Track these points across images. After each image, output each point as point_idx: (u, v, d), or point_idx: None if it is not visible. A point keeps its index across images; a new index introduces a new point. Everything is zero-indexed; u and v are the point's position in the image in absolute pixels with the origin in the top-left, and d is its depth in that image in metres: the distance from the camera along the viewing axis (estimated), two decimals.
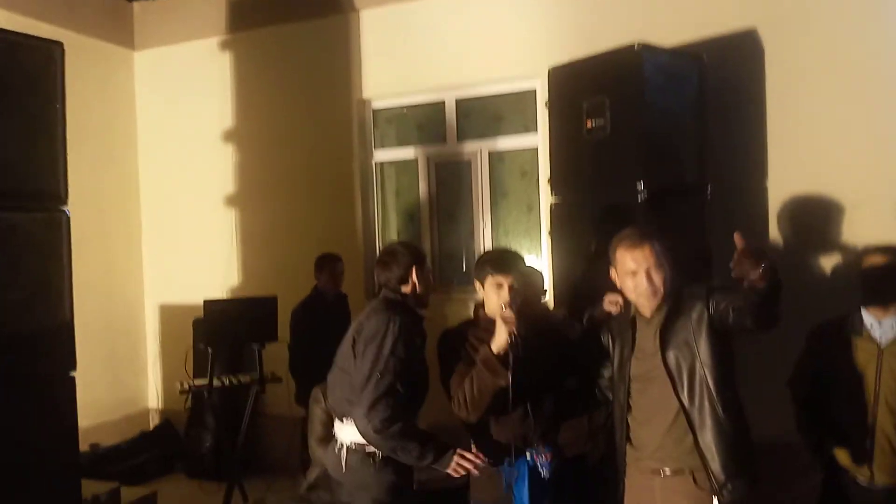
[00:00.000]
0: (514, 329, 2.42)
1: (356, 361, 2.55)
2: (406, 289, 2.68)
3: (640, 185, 3.37)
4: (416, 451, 2.47)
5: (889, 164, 3.81)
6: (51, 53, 3.00)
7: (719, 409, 2.29)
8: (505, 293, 2.57)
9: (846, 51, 3.91)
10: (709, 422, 2.28)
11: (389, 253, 2.78)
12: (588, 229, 3.63)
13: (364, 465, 2.59)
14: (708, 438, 2.28)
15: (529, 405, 2.56)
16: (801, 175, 4.01)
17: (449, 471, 2.49)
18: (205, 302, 3.95)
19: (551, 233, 3.92)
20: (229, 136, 5.70)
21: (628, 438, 2.47)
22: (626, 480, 2.50)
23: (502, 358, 2.43)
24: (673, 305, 2.40)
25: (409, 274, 2.67)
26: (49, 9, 5.18)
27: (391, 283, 2.69)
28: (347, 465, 2.61)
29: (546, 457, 2.58)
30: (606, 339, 2.61)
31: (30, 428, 2.79)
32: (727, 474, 2.27)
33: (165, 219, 5.95)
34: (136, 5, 6.01)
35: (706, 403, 2.29)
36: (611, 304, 2.64)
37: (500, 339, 2.44)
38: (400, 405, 2.47)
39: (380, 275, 2.73)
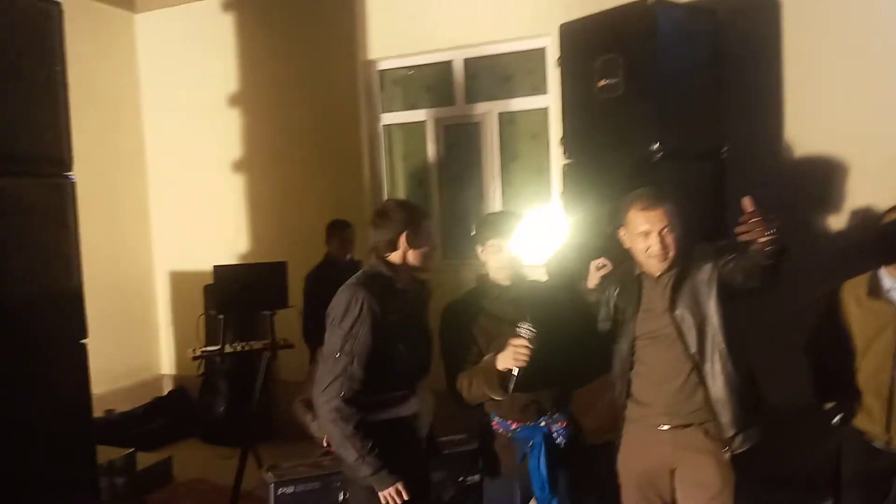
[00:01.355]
0: (524, 361, 2.33)
1: (326, 339, 2.41)
2: (395, 256, 2.44)
3: (656, 146, 3.30)
4: (354, 455, 2.29)
5: None
6: (48, 13, 2.93)
7: (730, 365, 2.34)
8: (506, 254, 2.55)
9: (866, 4, 3.77)
10: (720, 377, 2.34)
11: (381, 213, 2.51)
12: (602, 190, 3.56)
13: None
14: (719, 393, 2.33)
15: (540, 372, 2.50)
16: (819, 135, 3.92)
17: (380, 496, 2.32)
18: (214, 268, 3.92)
19: (563, 194, 3.86)
20: (234, 99, 5.62)
21: (629, 394, 2.49)
22: (623, 436, 2.53)
23: (504, 375, 2.38)
24: (682, 266, 2.42)
25: (397, 239, 2.42)
26: None
27: (380, 249, 2.46)
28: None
29: (561, 423, 2.55)
30: (609, 294, 2.58)
31: (43, 395, 2.80)
32: (738, 426, 2.34)
33: (173, 184, 5.91)
34: None
35: (717, 359, 2.34)
36: (598, 269, 2.60)
37: (505, 361, 2.37)
38: (357, 390, 2.29)
39: (372, 237, 2.51)
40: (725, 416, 2.34)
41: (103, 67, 5.68)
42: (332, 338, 2.35)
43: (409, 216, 2.45)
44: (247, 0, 5.51)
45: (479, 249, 2.66)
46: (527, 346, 2.33)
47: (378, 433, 2.33)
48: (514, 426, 2.55)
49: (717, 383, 2.34)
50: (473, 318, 2.58)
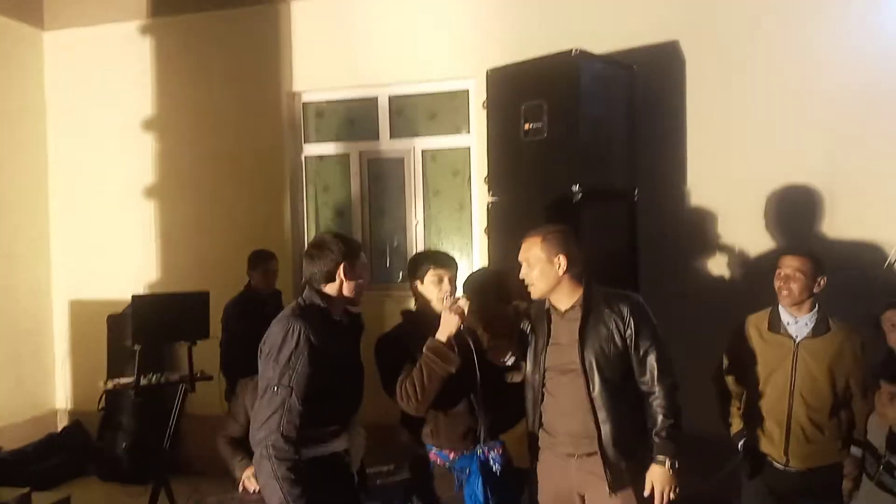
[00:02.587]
0: (462, 320, 2.47)
1: (260, 372, 2.37)
2: (331, 288, 2.45)
3: (576, 187, 3.50)
4: (279, 499, 2.22)
5: (799, 175, 4.11)
6: None
7: (622, 407, 2.48)
8: (446, 284, 2.68)
9: (762, 65, 4.19)
10: (611, 416, 2.46)
11: (317, 245, 2.51)
12: (525, 228, 3.71)
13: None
14: (607, 430, 2.46)
15: (476, 398, 2.60)
16: (716, 181, 4.28)
17: None
18: (133, 297, 3.77)
19: (488, 231, 4.00)
20: (149, 124, 5.47)
21: (541, 424, 2.60)
22: (538, 464, 2.64)
23: (449, 345, 2.47)
24: (590, 305, 2.54)
25: (335, 271, 2.44)
26: None
27: (315, 280, 2.46)
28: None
29: (497, 451, 2.63)
30: (526, 327, 2.71)
31: None
32: (623, 458, 2.47)
33: (77, 210, 5.64)
34: None
35: (611, 401, 2.47)
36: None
37: (447, 328, 2.48)
38: (296, 423, 2.25)
39: (306, 268, 2.50)
40: (611, 451, 2.46)
41: (6, 84, 5.40)
42: (268, 371, 2.30)
43: (347, 249, 2.48)
44: (167, 25, 5.40)
45: (416, 283, 2.74)
46: (463, 309, 2.47)
47: (311, 469, 2.30)
48: (451, 455, 2.61)
49: (607, 422, 2.45)
50: (407, 350, 2.61)
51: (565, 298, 2.56)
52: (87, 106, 5.59)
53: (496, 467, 2.61)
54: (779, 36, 4.17)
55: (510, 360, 2.64)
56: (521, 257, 2.57)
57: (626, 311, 2.51)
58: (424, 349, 2.50)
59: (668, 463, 2.42)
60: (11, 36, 5.46)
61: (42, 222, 5.68)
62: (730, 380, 3.13)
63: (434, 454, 2.63)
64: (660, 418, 2.45)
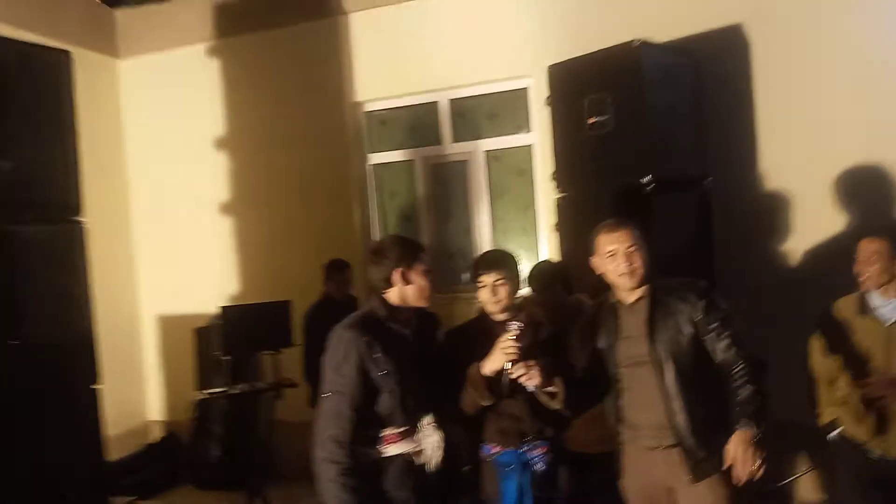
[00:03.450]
0: (512, 359, 2.41)
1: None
2: (393, 294, 2.46)
3: (647, 178, 3.46)
4: (335, 500, 2.28)
5: (874, 153, 3.95)
6: (60, 62, 3.01)
7: (697, 395, 2.45)
8: (488, 290, 2.59)
9: (828, 44, 4.05)
10: (685, 405, 2.43)
11: (375, 251, 2.54)
12: (595, 222, 3.69)
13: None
14: (682, 420, 2.43)
15: (525, 396, 2.54)
16: (790, 166, 4.15)
17: None
18: (222, 308, 3.93)
19: (558, 227, 4.00)
20: (221, 143, 5.68)
21: (619, 419, 2.58)
22: (623, 459, 2.61)
23: (491, 380, 2.45)
24: (656, 296, 2.53)
25: (391, 276, 2.44)
26: (27, 16, 5.08)
27: (377, 287, 2.49)
28: None
29: (541, 450, 2.56)
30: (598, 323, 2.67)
31: (57, 441, 2.79)
32: (703, 446, 2.42)
33: (159, 228, 5.90)
34: (118, 13, 5.95)
35: (685, 390, 2.44)
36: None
37: (492, 364, 2.45)
38: (347, 429, 2.31)
39: (368, 275, 2.55)
40: (689, 441, 2.43)
41: (87, 112, 5.66)
42: (325, 378, 2.41)
43: (403, 252, 2.47)
44: (232, 45, 5.60)
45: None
46: (514, 342, 2.39)
47: (375, 470, 2.38)
48: (493, 450, 2.59)
49: (681, 414, 2.43)
50: (473, 343, 2.60)
51: (627, 290, 2.55)
52: (162, 128, 5.84)
53: (540, 466, 2.56)
54: (842, 13, 4.02)
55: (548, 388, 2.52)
56: (619, 247, 2.51)
57: (692, 296, 2.50)
58: (468, 373, 2.50)
59: (749, 429, 2.33)
60: (89, 66, 5.74)
61: (126, 242, 5.97)
62: (821, 367, 3.03)
63: (482, 447, 2.63)
64: (741, 388, 2.39)
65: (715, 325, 2.47)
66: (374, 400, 2.38)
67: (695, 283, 2.57)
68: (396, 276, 2.45)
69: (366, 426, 2.36)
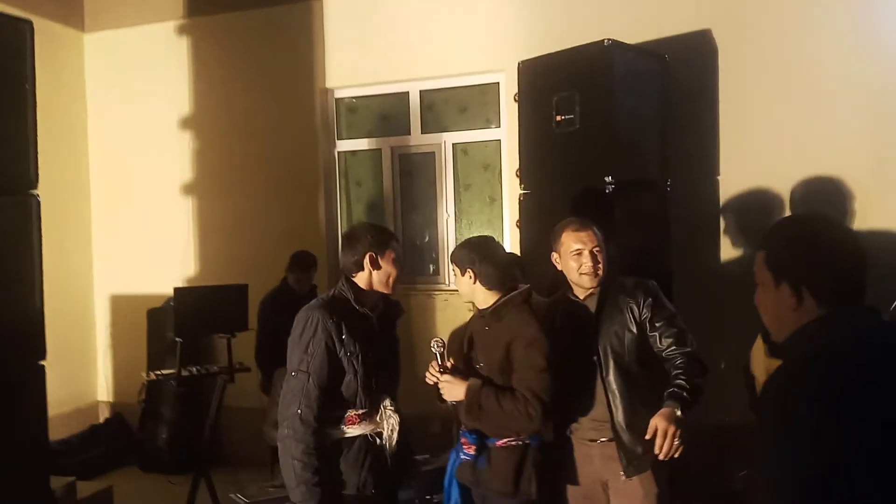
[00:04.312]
0: (432, 378, 2.59)
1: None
2: (360, 278, 2.52)
3: (609, 178, 3.50)
4: (292, 478, 2.34)
5: (825, 159, 4.05)
6: (19, 30, 2.91)
7: (637, 392, 2.53)
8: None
9: (792, 51, 4.15)
10: (624, 400, 2.52)
11: (349, 235, 2.63)
12: (556, 220, 3.72)
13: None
14: (619, 416, 2.51)
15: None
16: (749, 170, 4.24)
17: None
18: (175, 290, 3.87)
19: (520, 223, 4.02)
20: (187, 123, 5.58)
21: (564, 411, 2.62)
22: (565, 450, 2.64)
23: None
24: (604, 293, 2.61)
25: (362, 260, 2.51)
26: None
27: (347, 270, 2.55)
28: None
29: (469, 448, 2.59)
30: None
31: (0, 418, 2.71)
32: (639, 442, 2.46)
33: (118, 207, 5.78)
34: None
35: (624, 385, 2.52)
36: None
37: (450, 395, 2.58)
38: (314, 407, 2.35)
39: (340, 258, 2.61)
40: (625, 436, 2.49)
41: (49, 86, 5.50)
42: (292, 357, 2.44)
43: (375, 239, 2.54)
44: (203, 24, 5.51)
45: (455, 271, 2.78)
46: (435, 364, 2.54)
47: (335, 449, 2.42)
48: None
49: (620, 410, 2.50)
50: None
51: (579, 288, 2.64)
52: (127, 105, 5.73)
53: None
54: (812, 23, 4.12)
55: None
56: (586, 246, 2.58)
57: (640, 295, 2.58)
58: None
59: (674, 407, 2.35)
60: (54, 38, 5.60)
61: (84, 219, 5.84)
62: (761, 369, 3.11)
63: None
64: (676, 378, 2.43)
65: (660, 323, 2.54)
66: (338, 381, 2.42)
67: (644, 283, 2.65)
68: (367, 260, 2.50)
69: (329, 407, 2.40)
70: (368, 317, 2.53)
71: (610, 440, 2.53)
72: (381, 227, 2.74)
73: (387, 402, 2.55)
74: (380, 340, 2.58)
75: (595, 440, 2.57)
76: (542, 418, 2.42)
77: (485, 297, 2.59)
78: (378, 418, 2.52)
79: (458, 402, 2.58)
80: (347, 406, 2.46)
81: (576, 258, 2.60)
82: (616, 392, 2.52)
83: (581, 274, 2.59)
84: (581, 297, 2.65)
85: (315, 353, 2.39)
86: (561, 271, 2.69)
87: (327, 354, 2.39)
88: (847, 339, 1.29)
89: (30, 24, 2.95)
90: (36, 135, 2.98)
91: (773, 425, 1.25)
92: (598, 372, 2.54)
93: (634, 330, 2.55)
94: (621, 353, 2.54)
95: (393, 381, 2.66)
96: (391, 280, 2.55)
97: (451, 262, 2.72)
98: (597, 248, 2.59)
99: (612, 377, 2.53)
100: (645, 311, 2.56)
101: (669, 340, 2.53)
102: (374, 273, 2.52)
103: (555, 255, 2.69)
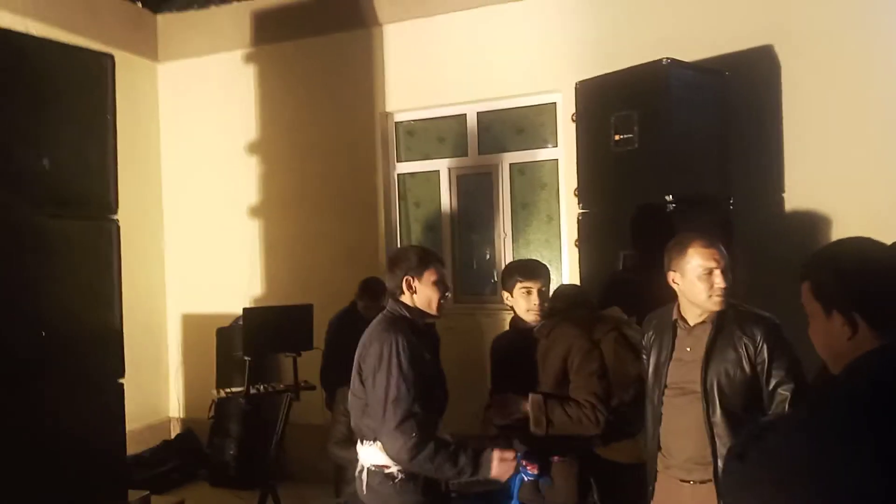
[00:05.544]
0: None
1: (365, 389, 2.47)
2: (406, 299, 2.54)
3: (669, 197, 3.47)
4: (451, 470, 2.36)
5: (892, 175, 3.92)
6: (102, 64, 3.11)
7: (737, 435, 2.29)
8: (535, 297, 2.74)
9: (857, 66, 4.04)
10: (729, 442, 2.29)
11: (392, 258, 2.64)
12: (616, 239, 3.73)
13: (383, 486, 2.48)
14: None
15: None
16: (815, 188, 4.13)
17: (495, 476, 2.39)
18: (244, 310, 4.01)
19: (579, 243, 4.02)
20: (253, 147, 5.79)
21: (659, 447, 2.49)
22: (655, 485, 2.52)
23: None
24: (719, 322, 2.37)
25: (401, 284, 2.52)
26: (72, 18, 5.25)
27: (393, 292, 2.56)
28: (369, 487, 2.53)
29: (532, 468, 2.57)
30: (648, 339, 2.60)
31: (81, 432, 2.86)
32: None
33: (189, 229, 6.02)
34: (160, 17, 6.11)
35: (731, 429, 2.30)
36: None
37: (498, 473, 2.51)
38: (423, 426, 2.35)
39: (387, 281, 2.62)
40: None
41: (124, 113, 5.80)
42: (382, 386, 2.37)
43: (416, 261, 2.54)
44: (268, 53, 5.72)
45: (505, 295, 2.83)
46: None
47: (409, 477, 2.42)
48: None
49: (725, 447, 2.25)
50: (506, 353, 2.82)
51: (697, 311, 2.42)
52: (198, 131, 5.98)
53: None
54: (873, 36, 4.01)
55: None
56: (719, 264, 2.36)
57: (759, 335, 2.32)
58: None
59: None
60: (130, 69, 5.90)
61: (158, 241, 6.11)
62: None
63: None
64: None
65: (779, 376, 2.30)
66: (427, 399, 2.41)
67: (764, 319, 2.38)
68: (404, 284, 2.52)
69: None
70: (427, 333, 2.57)
71: (703, 482, 2.33)
72: (425, 249, 2.72)
73: (440, 423, 2.56)
74: (435, 359, 2.60)
75: (688, 481, 2.37)
76: (605, 420, 2.51)
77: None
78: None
79: (508, 424, 2.60)
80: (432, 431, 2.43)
81: (706, 278, 2.34)
82: (723, 435, 2.28)
83: (711, 296, 2.34)
84: (692, 324, 2.42)
85: (409, 376, 2.36)
86: (671, 292, 2.45)
87: (418, 375, 2.37)
88: None
89: (111, 58, 3.15)
90: (116, 162, 3.17)
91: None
92: (704, 409, 2.32)
93: (748, 369, 2.31)
94: (729, 393, 2.30)
95: (446, 402, 2.64)
96: (433, 304, 2.54)
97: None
98: (727, 268, 2.35)
99: (718, 418, 2.30)
100: (761, 355, 2.31)
101: (782, 397, 2.29)
102: (415, 296, 2.53)
103: (673, 275, 2.43)
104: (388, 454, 2.42)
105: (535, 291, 2.75)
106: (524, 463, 2.53)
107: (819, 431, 1.21)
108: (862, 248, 1.38)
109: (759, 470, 1.24)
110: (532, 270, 2.82)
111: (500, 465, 2.39)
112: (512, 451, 2.43)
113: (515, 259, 4.91)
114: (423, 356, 2.45)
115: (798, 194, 4.19)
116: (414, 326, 2.51)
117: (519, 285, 2.77)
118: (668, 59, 3.55)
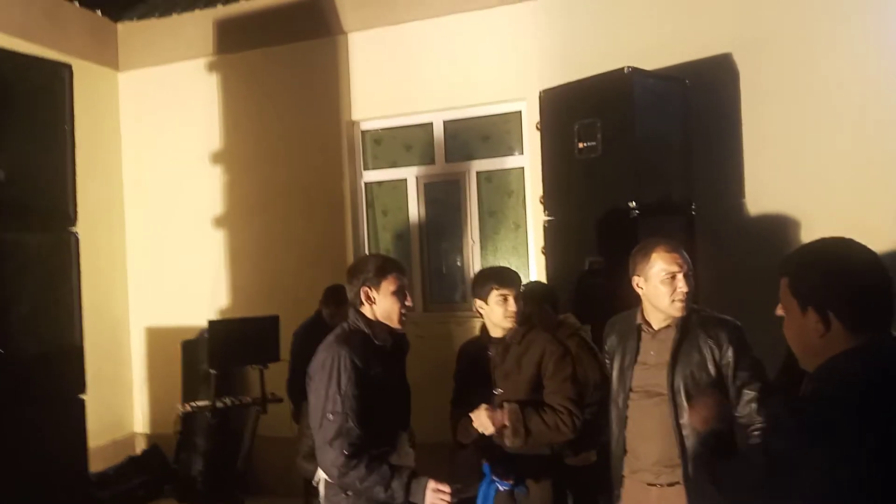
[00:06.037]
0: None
1: (311, 398, 2.45)
2: (366, 310, 2.49)
3: (633, 204, 3.52)
4: (382, 493, 2.33)
5: (850, 179, 4.03)
6: (60, 74, 3.06)
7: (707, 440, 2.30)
8: (511, 304, 2.74)
9: (814, 73, 4.15)
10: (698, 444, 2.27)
11: (351, 269, 2.60)
12: (581, 246, 3.77)
13: (337, 497, 2.46)
14: (692, 467, 2.30)
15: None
16: (774, 192, 4.22)
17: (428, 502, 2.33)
18: (210, 322, 3.95)
19: (545, 250, 4.05)
20: (217, 156, 5.72)
21: (625, 449, 2.50)
22: (621, 490, 2.53)
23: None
24: (684, 326, 2.39)
25: (360, 293, 2.48)
26: (32, 28, 5.15)
27: (353, 303, 2.52)
28: (326, 498, 2.52)
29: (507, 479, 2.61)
30: (611, 343, 2.61)
31: (41, 449, 2.79)
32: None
33: (151, 240, 5.92)
34: (120, 26, 6.02)
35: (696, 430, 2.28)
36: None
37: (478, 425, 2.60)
38: (357, 444, 2.32)
39: (347, 292, 2.58)
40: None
41: (84, 123, 5.70)
42: (321, 398, 2.36)
43: (374, 271, 2.50)
44: (232, 61, 5.67)
45: (480, 303, 2.83)
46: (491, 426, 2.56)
47: None
48: None
49: (694, 450, 2.28)
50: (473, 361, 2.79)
51: (661, 315, 2.43)
52: (160, 140, 5.88)
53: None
54: (832, 44, 4.12)
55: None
56: (682, 268, 2.38)
57: (723, 338, 2.36)
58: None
59: None
60: (90, 77, 5.79)
61: (119, 253, 5.99)
62: None
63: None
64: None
65: (744, 377, 2.33)
66: (365, 418, 2.37)
67: (727, 323, 2.42)
68: (363, 295, 2.48)
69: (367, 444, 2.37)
70: (386, 350, 2.52)
71: (671, 485, 2.34)
72: (385, 257, 2.68)
73: (404, 438, 2.56)
74: (393, 374, 2.56)
75: (655, 484, 2.38)
76: (581, 424, 2.57)
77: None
78: (397, 454, 2.50)
79: (485, 434, 2.60)
80: (371, 444, 2.40)
81: (669, 282, 2.36)
82: (692, 436, 2.27)
83: (674, 301, 2.36)
84: (656, 328, 2.44)
85: (348, 392, 2.33)
86: (637, 296, 2.46)
87: (357, 390, 2.34)
88: (882, 372, 1.25)
89: (69, 67, 3.10)
90: (75, 173, 3.12)
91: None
92: (672, 412, 2.33)
93: (713, 372, 2.33)
94: (696, 397, 2.28)
95: (408, 417, 2.63)
96: (394, 315, 2.50)
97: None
98: (690, 272, 2.37)
99: (686, 420, 2.28)
100: (726, 357, 2.34)
101: (749, 396, 2.31)
102: (374, 307, 2.49)
103: (638, 279, 2.45)
104: (320, 467, 2.41)
105: (511, 298, 2.75)
106: (497, 473, 2.53)
107: (801, 435, 1.24)
108: (839, 247, 1.40)
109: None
110: (508, 277, 2.83)
111: (432, 494, 2.33)
112: (446, 485, 2.37)
113: (485, 266, 4.95)
114: (371, 373, 2.41)
115: (758, 199, 4.28)
116: (369, 342, 2.46)
117: (495, 293, 2.76)
118: (630, 67, 3.60)
